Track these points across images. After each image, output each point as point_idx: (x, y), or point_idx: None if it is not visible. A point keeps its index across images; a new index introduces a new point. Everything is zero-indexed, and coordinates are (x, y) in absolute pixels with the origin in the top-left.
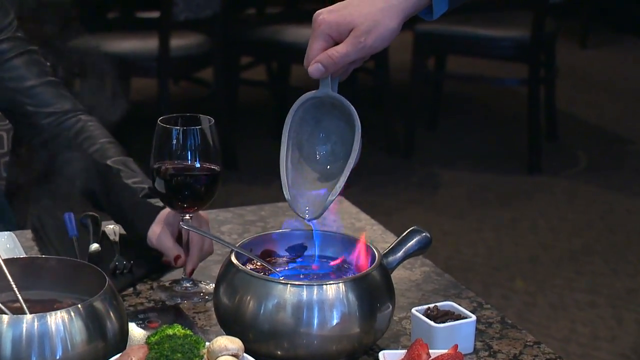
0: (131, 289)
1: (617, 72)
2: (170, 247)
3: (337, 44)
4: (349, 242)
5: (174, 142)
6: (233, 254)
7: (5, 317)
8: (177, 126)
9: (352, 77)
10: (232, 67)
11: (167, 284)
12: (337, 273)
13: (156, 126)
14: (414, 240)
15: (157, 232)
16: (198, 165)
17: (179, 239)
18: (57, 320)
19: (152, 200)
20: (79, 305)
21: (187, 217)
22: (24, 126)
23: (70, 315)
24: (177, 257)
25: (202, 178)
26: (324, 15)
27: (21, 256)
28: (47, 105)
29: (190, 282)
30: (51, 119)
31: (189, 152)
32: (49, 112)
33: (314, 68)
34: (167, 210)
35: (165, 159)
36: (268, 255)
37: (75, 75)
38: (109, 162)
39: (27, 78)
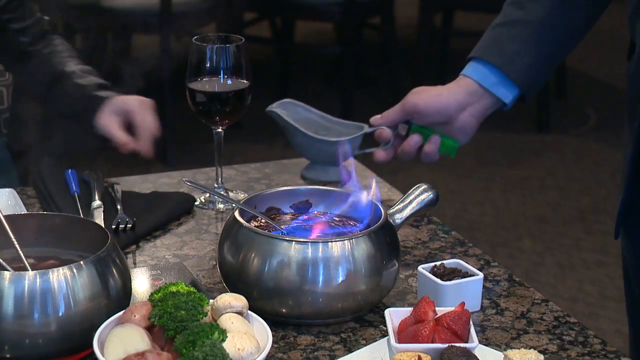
0: (134, 246)
1: (628, 28)
2: (116, 134)
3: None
4: (355, 199)
5: (208, 59)
6: (237, 210)
7: (7, 274)
8: (211, 44)
9: (358, 33)
10: (236, 23)
11: (202, 191)
12: (343, 230)
13: (191, 45)
14: (421, 196)
15: (104, 120)
16: (230, 81)
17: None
18: (59, 277)
19: (102, 93)
20: (82, 262)
21: (220, 129)
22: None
23: (73, 272)
24: (124, 144)
25: (233, 92)
26: (412, 97)
27: (23, 213)
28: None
29: (223, 190)
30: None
31: (222, 69)
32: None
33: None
34: (115, 100)
35: (199, 75)
36: (272, 212)
37: (76, 31)
38: (65, 68)
39: None
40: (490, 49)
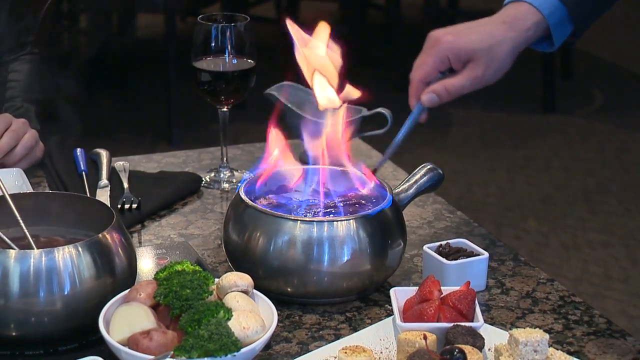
0: (139, 225)
1: (635, 8)
2: None
3: (450, 66)
4: (361, 179)
5: (213, 38)
6: (242, 190)
7: (12, 252)
8: (216, 23)
9: (363, 14)
10: (240, 3)
11: (206, 170)
12: (348, 209)
13: (196, 25)
14: (426, 176)
15: None
16: (235, 61)
17: None
18: (64, 255)
19: None
20: (87, 241)
21: (225, 108)
22: None
23: (78, 251)
24: None
25: (238, 71)
26: (445, 36)
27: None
28: None
29: (228, 170)
30: None
31: (226, 48)
32: None
33: (428, 98)
34: None
35: (204, 54)
36: (280, 191)
37: (81, 10)
38: None
39: None
40: None
